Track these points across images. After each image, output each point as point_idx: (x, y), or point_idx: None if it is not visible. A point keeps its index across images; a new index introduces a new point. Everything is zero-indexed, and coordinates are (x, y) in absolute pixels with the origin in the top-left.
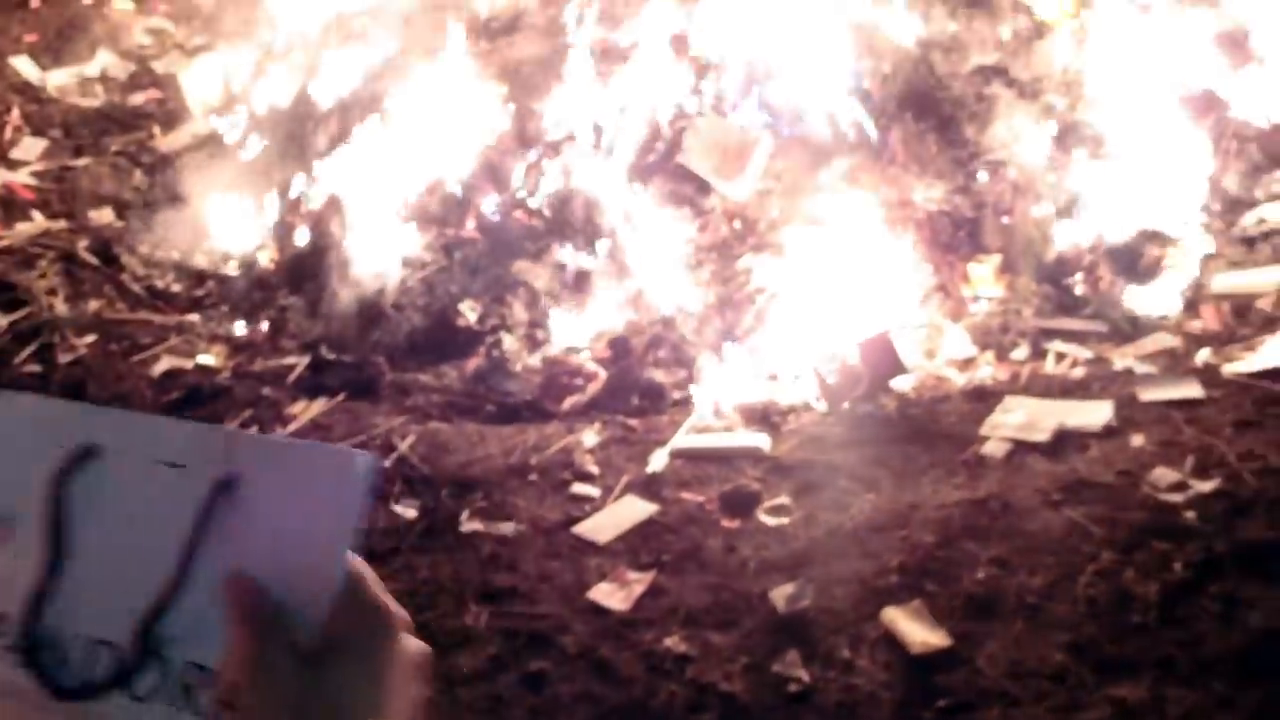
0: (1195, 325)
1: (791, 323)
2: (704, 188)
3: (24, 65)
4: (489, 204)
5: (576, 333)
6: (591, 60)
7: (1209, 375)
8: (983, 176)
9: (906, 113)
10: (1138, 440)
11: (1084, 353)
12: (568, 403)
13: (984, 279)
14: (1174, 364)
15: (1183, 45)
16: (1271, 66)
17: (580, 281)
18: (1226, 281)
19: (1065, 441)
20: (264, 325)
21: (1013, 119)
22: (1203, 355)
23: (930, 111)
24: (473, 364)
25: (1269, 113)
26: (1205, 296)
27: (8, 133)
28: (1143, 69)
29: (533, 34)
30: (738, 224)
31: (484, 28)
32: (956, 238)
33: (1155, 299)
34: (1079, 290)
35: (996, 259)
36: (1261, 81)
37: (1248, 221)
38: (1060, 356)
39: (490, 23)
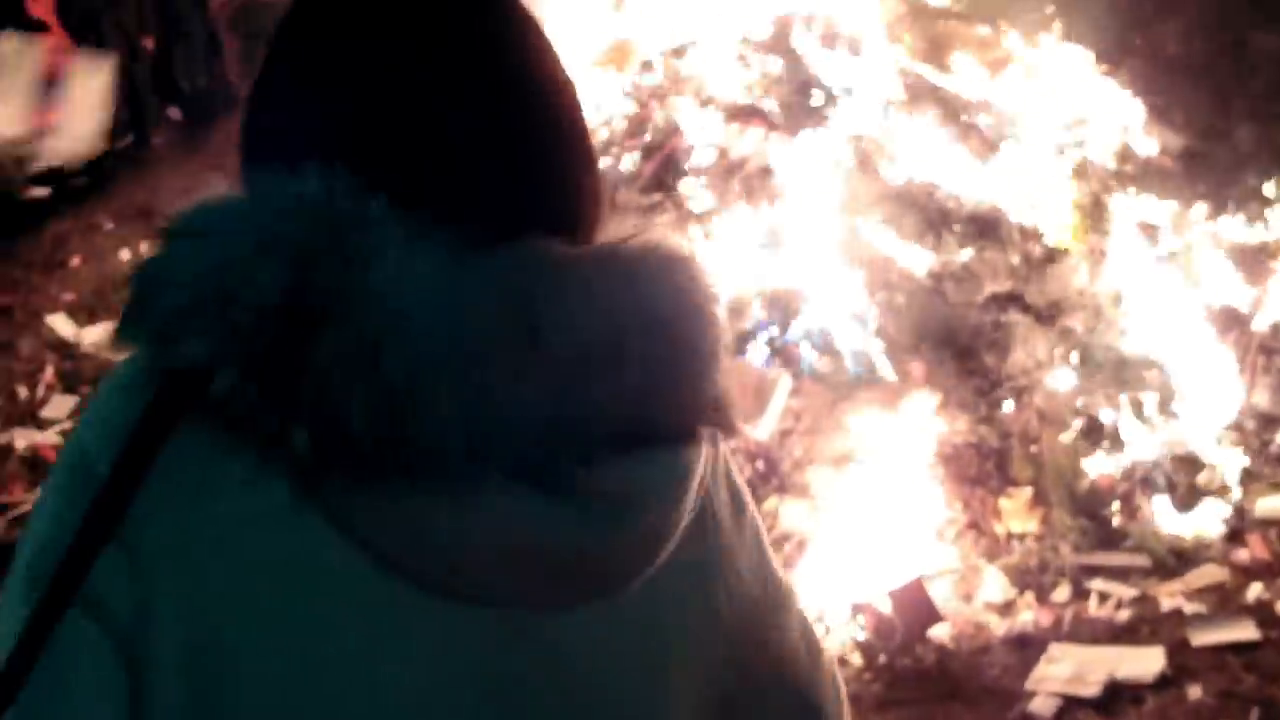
0: (1242, 555)
1: (820, 570)
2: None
3: (60, 323)
4: None
5: None
6: None
7: (1263, 613)
8: (1007, 406)
9: (924, 344)
10: (1195, 691)
11: (1129, 591)
12: None
13: (1017, 514)
14: (1224, 601)
15: (1200, 261)
16: None
17: None
18: (1270, 506)
19: (1118, 695)
20: None
21: (1032, 345)
22: (1255, 591)
23: (948, 342)
24: None
25: None
26: (1250, 523)
27: (40, 390)
28: (1160, 287)
29: None
30: (760, 465)
31: None
32: (984, 471)
33: (1197, 527)
34: (1116, 521)
35: (1028, 492)
36: None
37: None
38: (1104, 597)
39: None
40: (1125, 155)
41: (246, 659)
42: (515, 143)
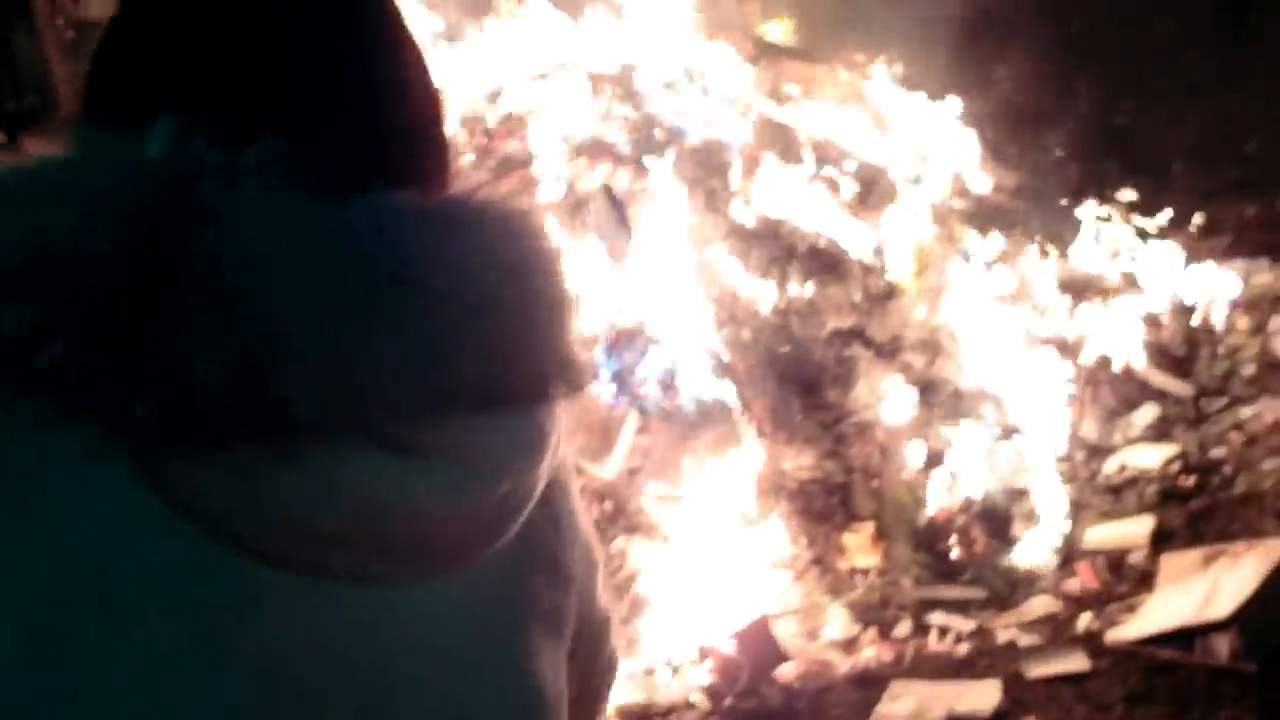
0: (1073, 584)
1: (666, 611)
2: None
3: None
4: None
5: None
6: None
7: (1093, 643)
8: (849, 440)
9: (769, 379)
10: None
11: (967, 624)
12: None
13: (860, 549)
14: (1057, 632)
15: (1031, 293)
16: (1117, 307)
17: None
18: (1098, 535)
19: None
20: None
21: (874, 379)
22: (1084, 620)
23: (792, 377)
24: None
25: (1119, 355)
26: (1079, 552)
27: None
28: (994, 321)
29: None
30: (608, 504)
31: None
32: (829, 506)
33: (1030, 557)
34: (955, 554)
35: (870, 526)
36: (1109, 323)
37: (1109, 468)
38: (943, 631)
39: None
40: (962, 192)
41: (83, 652)
42: (364, 94)
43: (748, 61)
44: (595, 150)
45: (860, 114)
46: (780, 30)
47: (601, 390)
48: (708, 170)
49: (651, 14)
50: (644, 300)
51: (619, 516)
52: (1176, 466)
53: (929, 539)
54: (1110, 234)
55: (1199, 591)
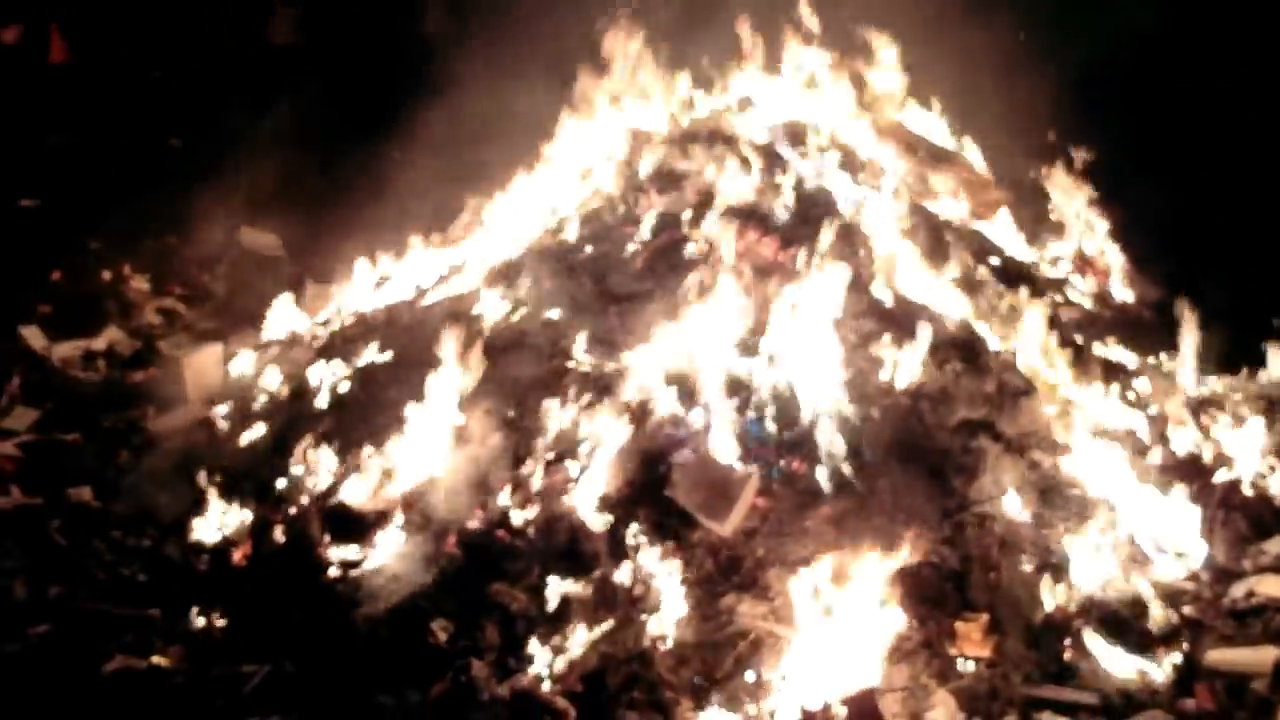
0: (1189, 704)
1: (773, 670)
2: (690, 522)
3: (32, 335)
4: (473, 520)
5: (549, 663)
6: (587, 385)
7: None
8: (969, 529)
9: (893, 459)
10: None
11: None
12: None
13: (971, 638)
14: None
15: (1168, 409)
16: (1253, 431)
17: (558, 609)
18: (1220, 658)
19: None
20: (225, 625)
21: (1000, 473)
22: None
23: (917, 460)
24: (438, 689)
25: (1255, 480)
26: (1199, 672)
27: (4, 400)
28: (1128, 431)
29: (532, 354)
30: (722, 561)
31: (485, 344)
32: (943, 592)
33: (1148, 671)
34: (1069, 656)
35: (984, 618)
36: (1245, 446)
37: (1237, 593)
38: None
39: (492, 340)
40: (1104, 300)
41: None
42: None
43: (903, 151)
44: (746, 216)
45: (1008, 215)
46: (939, 127)
47: (726, 450)
48: (852, 249)
49: (814, 92)
50: (777, 368)
51: (732, 574)
52: None
53: (1044, 638)
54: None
55: None
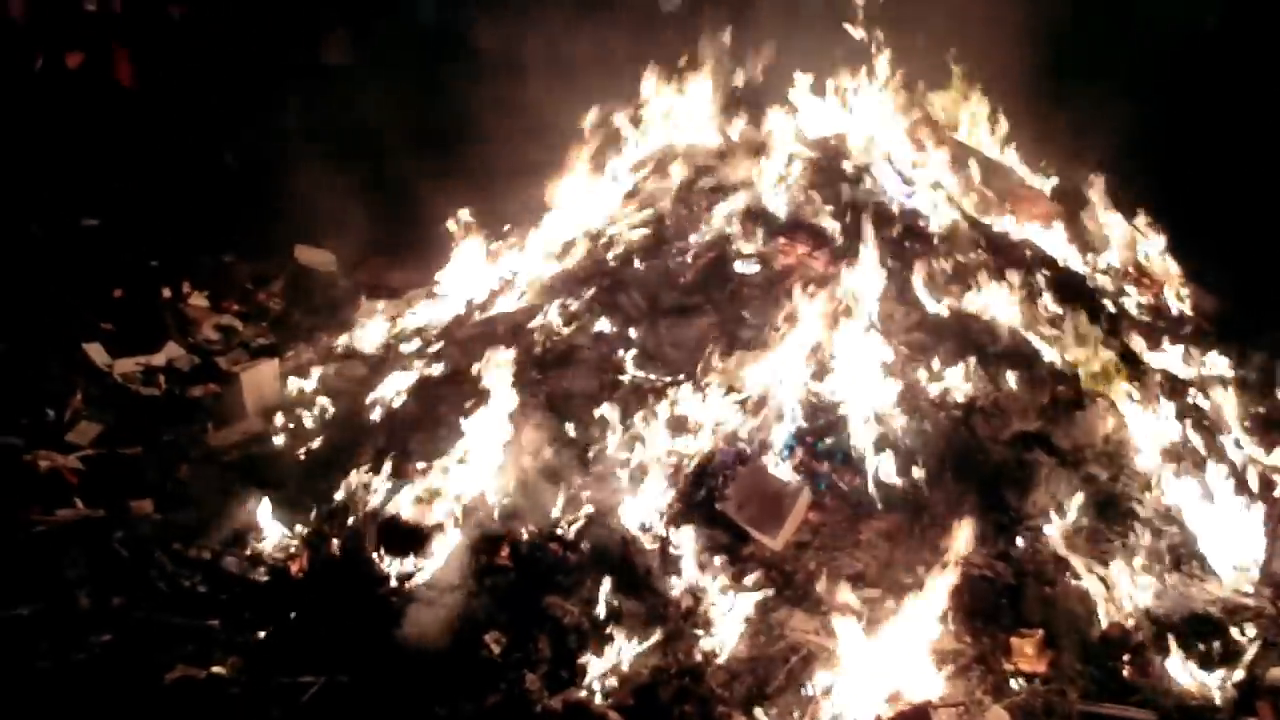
0: None
1: (826, 685)
2: (741, 536)
3: (95, 351)
4: (525, 532)
5: (601, 676)
6: (639, 399)
7: None
8: (1023, 544)
9: (947, 473)
10: None
11: None
12: None
13: (1026, 654)
14: None
15: (1231, 422)
16: None
17: (610, 622)
18: None
19: None
20: (283, 636)
21: (1054, 487)
22: None
23: (971, 473)
24: (491, 701)
25: None
26: (1261, 690)
27: (68, 414)
28: (1186, 444)
29: (584, 369)
30: (774, 575)
31: (537, 358)
32: (997, 607)
33: (1208, 687)
34: (1126, 672)
35: (1039, 633)
36: None
37: None
38: None
39: (544, 354)
40: (1160, 312)
41: None
42: None
43: (956, 161)
44: (794, 230)
45: (1063, 228)
46: (994, 135)
47: (779, 463)
48: (904, 261)
49: (869, 103)
50: (830, 381)
51: (784, 588)
52: None
53: (1100, 654)
54: None
55: None
